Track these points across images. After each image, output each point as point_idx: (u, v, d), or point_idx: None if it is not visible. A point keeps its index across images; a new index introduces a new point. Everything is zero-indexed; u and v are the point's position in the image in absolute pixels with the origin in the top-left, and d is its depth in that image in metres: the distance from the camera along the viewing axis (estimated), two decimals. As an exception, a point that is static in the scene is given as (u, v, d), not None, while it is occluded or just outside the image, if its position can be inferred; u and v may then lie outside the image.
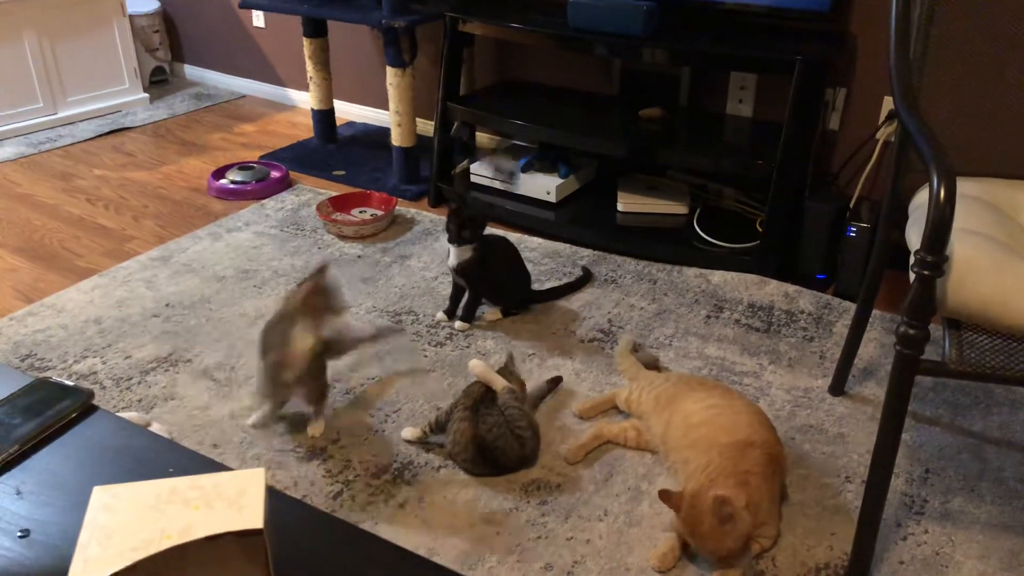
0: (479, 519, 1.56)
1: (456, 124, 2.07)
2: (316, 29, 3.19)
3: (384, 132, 3.42)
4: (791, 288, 2.34)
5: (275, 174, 3.04)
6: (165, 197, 2.97)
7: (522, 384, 1.80)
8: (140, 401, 1.88)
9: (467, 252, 2.08)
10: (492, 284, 2.18)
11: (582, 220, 2.66)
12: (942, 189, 1.15)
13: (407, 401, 1.88)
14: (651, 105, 2.69)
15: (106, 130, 3.59)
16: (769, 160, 2.28)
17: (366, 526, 1.54)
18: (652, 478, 1.66)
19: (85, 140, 3.50)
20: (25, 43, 3.45)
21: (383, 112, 3.61)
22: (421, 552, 1.48)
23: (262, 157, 3.28)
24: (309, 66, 3.26)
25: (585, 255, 2.54)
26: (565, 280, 2.36)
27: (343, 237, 2.65)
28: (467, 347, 2.08)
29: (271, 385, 1.70)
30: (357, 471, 1.68)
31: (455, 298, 2.18)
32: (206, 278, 2.40)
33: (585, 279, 2.37)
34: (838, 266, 2.32)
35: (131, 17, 3.85)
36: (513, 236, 2.48)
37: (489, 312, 2.20)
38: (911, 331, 1.23)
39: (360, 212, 2.79)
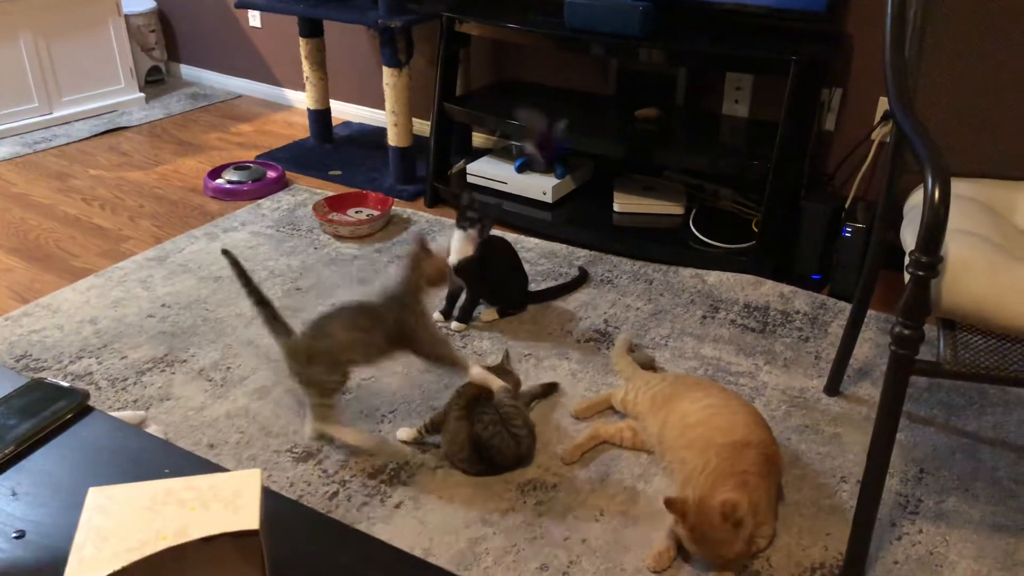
0: (475, 519, 1.56)
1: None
2: (312, 29, 3.19)
3: (380, 132, 3.42)
4: (787, 288, 2.35)
5: (271, 174, 3.04)
6: (161, 197, 2.96)
7: (517, 383, 1.80)
8: (136, 401, 1.87)
9: (469, 249, 2.08)
10: (490, 284, 2.18)
11: (578, 220, 2.67)
12: (937, 190, 1.16)
13: (403, 402, 1.88)
14: (647, 105, 2.70)
15: (102, 130, 3.59)
16: (765, 160, 2.28)
17: (362, 527, 1.54)
18: (648, 478, 1.67)
19: (81, 140, 3.49)
20: (20, 42, 3.44)
21: (379, 112, 3.61)
22: (417, 552, 1.48)
23: (258, 157, 3.28)
24: (305, 66, 3.26)
25: (581, 255, 2.54)
26: (561, 280, 2.37)
27: (339, 237, 2.65)
28: (463, 347, 2.08)
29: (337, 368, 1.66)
30: (353, 471, 1.68)
31: (452, 298, 2.18)
32: (202, 278, 2.40)
33: (581, 279, 2.37)
34: (833, 266, 2.33)
35: (127, 16, 3.84)
36: (509, 236, 2.48)
37: (485, 312, 2.21)
38: (906, 331, 1.23)
39: (356, 212, 2.79)
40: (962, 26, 1.55)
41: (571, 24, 2.46)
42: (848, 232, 2.26)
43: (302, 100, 3.84)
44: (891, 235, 1.64)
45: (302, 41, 3.21)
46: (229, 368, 1.99)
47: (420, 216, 2.79)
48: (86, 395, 0.84)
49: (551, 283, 2.36)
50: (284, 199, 2.92)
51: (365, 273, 2.43)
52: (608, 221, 2.66)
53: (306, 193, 2.97)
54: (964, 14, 1.54)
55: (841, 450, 1.75)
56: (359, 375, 1.95)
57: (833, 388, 1.92)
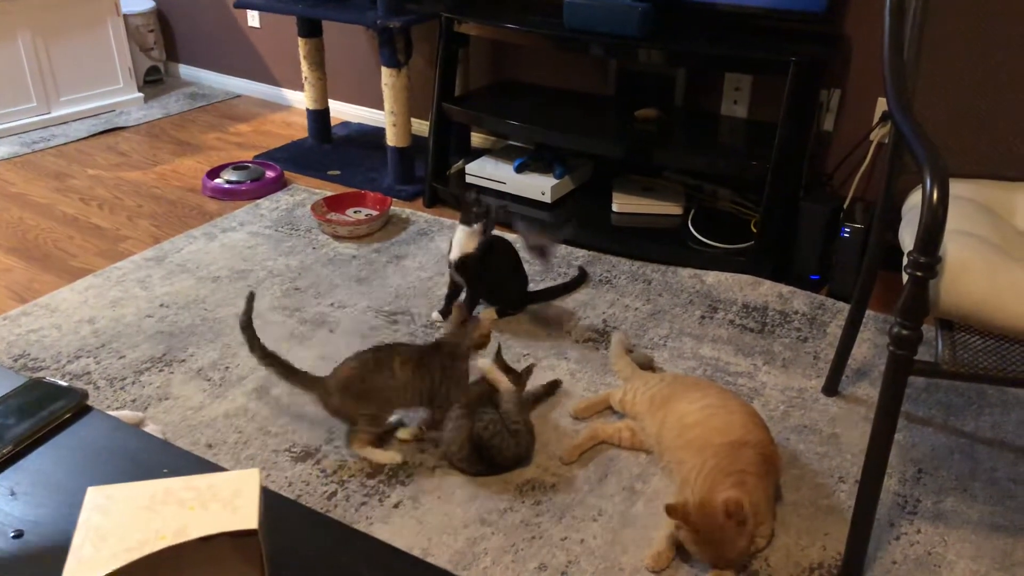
0: (473, 519, 1.56)
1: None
2: (311, 29, 3.19)
3: (379, 132, 3.42)
4: (785, 289, 2.35)
5: (270, 174, 3.04)
6: (159, 197, 2.96)
7: (517, 374, 1.79)
8: (134, 401, 1.87)
9: (471, 246, 2.08)
10: (490, 284, 2.18)
11: (577, 220, 2.67)
12: (935, 191, 1.16)
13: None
14: (647, 106, 2.70)
15: (100, 129, 3.58)
16: (764, 161, 2.29)
17: (360, 526, 1.54)
18: (647, 478, 1.67)
19: (79, 139, 3.49)
20: (19, 42, 3.43)
21: (378, 112, 3.61)
22: (415, 552, 1.48)
23: (257, 157, 3.28)
24: (304, 66, 3.25)
25: (580, 255, 2.54)
26: (561, 281, 2.37)
27: (338, 237, 2.65)
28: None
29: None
30: (352, 471, 1.68)
31: (451, 298, 2.18)
32: (201, 278, 2.39)
33: (581, 279, 2.37)
34: (832, 267, 2.33)
35: (125, 16, 3.84)
36: (508, 236, 2.48)
37: (484, 312, 2.21)
38: (904, 332, 1.24)
39: (355, 212, 2.79)
40: (961, 27, 1.55)
41: (570, 24, 2.46)
42: (847, 232, 2.27)
43: (301, 100, 3.84)
44: (890, 235, 1.64)
45: (301, 41, 3.20)
46: (227, 368, 1.99)
47: (419, 216, 2.79)
48: (85, 395, 0.84)
49: (550, 283, 2.36)
50: (283, 199, 2.92)
51: (364, 273, 2.43)
52: (607, 221, 2.66)
53: (305, 193, 2.97)
54: (963, 15, 1.54)
55: (839, 450, 1.75)
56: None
57: (831, 388, 1.92)
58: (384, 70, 2.81)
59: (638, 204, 2.71)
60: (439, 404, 1.71)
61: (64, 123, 3.65)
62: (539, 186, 2.76)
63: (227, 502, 0.58)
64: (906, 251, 1.24)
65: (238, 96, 4.06)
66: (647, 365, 1.97)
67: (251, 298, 1.72)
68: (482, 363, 1.75)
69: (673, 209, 2.69)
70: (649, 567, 1.45)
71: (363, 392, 1.67)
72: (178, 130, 3.62)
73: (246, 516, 0.57)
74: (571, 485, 1.65)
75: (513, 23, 2.55)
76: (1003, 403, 1.90)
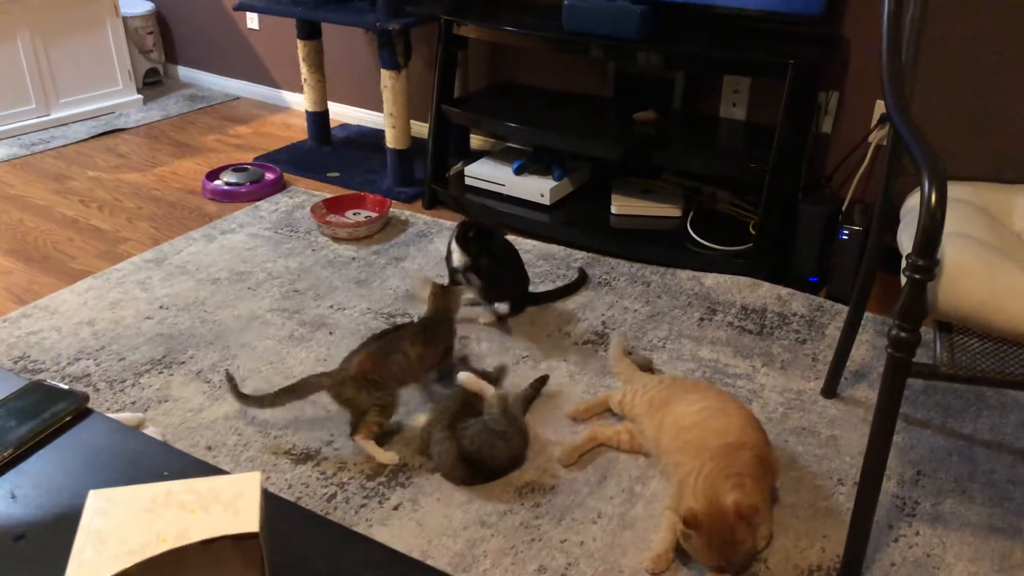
0: (473, 521, 1.56)
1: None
2: (310, 31, 3.19)
3: (378, 134, 3.42)
4: (784, 291, 2.35)
5: (269, 176, 3.04)
6: (159, 199, 2.96)
7: (491, 376, 1.87)
8: (134, 403, 1.87)
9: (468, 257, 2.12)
10: (490, 285, 2.18)
11: (576, 223, 2.67)
12: (933, 193, 1.16)
13: (401, 405, 1.88)
14: (645, 108, 2.70)
15: (99, 131, 3.58)
16: (762, 163, 2.29)
17: (360, 528, 1.54)
18: (646, 480, 1.67)
19: (78, 141, 3.49)
20: (18, 43, 3.44)
21: (377, 114, 3.61)
22: (415, 555, 1.48)
23: (256, 159, 3.28)
24: (303, 68, 3.26)
25: (579, 257, 2.55)
26: (560, 283, 2.37)
27: (337, 239, 2.65)
28: (461, 349, 2.08)
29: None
30: (351, 473, 1.68)
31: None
32: (200, 280, 2.40)
33: (581, 281, 2.38)
34: (831, 269, 2.33)
35: (125, 18, 3.84)
36: (509, 237, 2.48)
37: (484, 315, 2.21)
38: (903, 334, 1.24)
39: (354, 214, 2.79)
40: (959, 30, 1.55)
41: (569, 27, 2.46)
42: (845, 235, 2.27)
43: (300, 102, 3.85)
44: (888, 238, 1.64)
45: (300, 43, 3.21)
46: (227, 370, 1.99)
47: (418, 218, 2.79)
48: (85, 397, 0.84)
49: (549, 285, 2.36)
50: (282, 201, 2.92)
51: (363, 275, 2.43)
52: (606, 223, 2.67)
53: (304, 195, 2.97)
54: (960, 18, 1.55)
55: (838, 452, 1.75)
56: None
57: (830, 390, 1.92)
58: (383, 72, 2.81)
59: (637, 206, 2.71)
60: (444, 364, 1.91)
61: (63, 125, 3.65)
62: (538, 188, 2.76)
63: (228, 505, 0.58)
64: (904, 253, 1.25)
65: (237, 98, 4.06)
66: (646, 367, 1.98)
67: (230, 377, 1.80)
68: (461, 375, 1.75)
69: (672, 211, 2.69)
70: (649, 569, 1.45)
71: (378, 379, 1.71)
72: (177, 132, 3.62)
73: (247, 519, 0.57)
74: (570, 487, 1.65)
75: (512, 25, 2.55)
76: (1001, 405, 1.90)
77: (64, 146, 3.44)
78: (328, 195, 2.88)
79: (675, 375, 1.97)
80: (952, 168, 1.53)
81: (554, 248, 2.60)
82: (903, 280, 1.23)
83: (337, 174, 3.14)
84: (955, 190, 1.49)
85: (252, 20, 3.87)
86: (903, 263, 1.24)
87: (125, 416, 1.76)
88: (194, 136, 3.58)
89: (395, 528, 1.55)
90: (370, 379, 1.70)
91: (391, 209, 2.80)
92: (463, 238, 2.10)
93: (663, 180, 2.87)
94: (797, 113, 2.26)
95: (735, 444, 1.51)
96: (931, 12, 1.54)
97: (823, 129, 2.57)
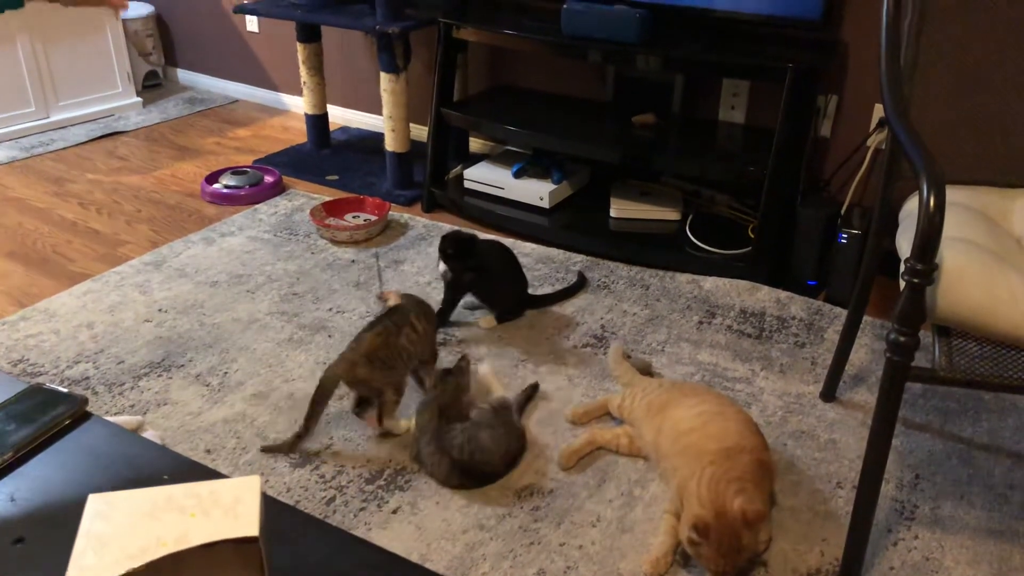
0: (472, 525, 1.56)
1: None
2: (310, 34, 3.19)
3: (378, 137, 3.43)
4: (783, 294, 2.35)
5: (268, 179, 3.04)
6: (158, 201, 2.96)
7: (457, 373, 1.85)
8: (133, 407, 1.87)
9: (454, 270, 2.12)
10: (489, 288, 2.18)
11: (575, 226, 2.67)
12: (932, 198, 1.16)
13: (401, 407, 1.88)
14: (644, 111, 2.71)
15: (99, 134, 3.59)
16: (761, 166, 2.29)
17: (359, 532, 1.54)
18: (645, 484, 1.67)
19: (78, 144, 3.49)
20: (18, 46, 3.44)
21: (377, 117, 3.62)
22: (414, 558, 1.48)
23: (255, 162, 3.28)
24: (303, 71, 3.26)
25: (578, 261, 2.55)
26: (559, 286, 2.37)
27: (336, 242, 2.65)
28: (460, 351, 2.08)
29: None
30: (350, 477, 1.68)
31: (451, 303, 2.19)
32: (199, 283, 2.40)
33: (580, 285, 2.38)
34: (829, 272, 2.34)
35: (124, 21, 3.84)
36: (506, 242, 2.49)
37: (484, 319, 2.21)
38: (901, 338, 1.24)
39: (354, 217, 2.80)
40: (957, 34, 1.56)
41: (568, 31, 2.46)
42: (844, 238, 2.27)
43: (299, 105, 3.85)
44: (887, 241, 1.65)
45: (300, 46, 3.21)
46: (226, 373, 1.99)
47: (417, 221, 2.80)
48: (85, 400, 0.84)
49: (548, 288, 2.36)
50: (281, 204, 2.92)
51: (362, 278, 2.43)
52: (605, 227, 2.67)
53: (303, 198, 2.97)
54: (958, 22, 1.55)
55: (837, 456, 1.75)
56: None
57: (829, 394, 1.93)
58: (383, 75, 2.81)
59: (636, 209, 2.71)
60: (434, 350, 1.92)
61: (63, 128, 3.65)
62: (537, 191, 2.77)
63: (228, 509, 0.58)
64: (903, 257, 1.25)
65: (236, 101, 4.06)
66: (645, 370, 1.98)
67: (268, 448, 1.75)
68: (483, 368, 1.76)
69: (671, 214, 2.69)
70: (647, 573, 1.45)
71: (390, 357, 1.73)
72: (177, 135, 3.62)
73: (247, 523, 0.57)
74: (569, 491, 1.65)
75: (511, 29, 2.55)
76: (1000, 409, 1.90)
77: (63, 149, 3.44)
78: (327, 198, 2.89)
79: (675, 379, 1.97)
80: (951, 172, 1.54)
81: (553, 251, 2.61)
82: (902, 284, 1.23)
83: (336, 177, 3.14)
84: (954, 194, 1.50)
85: (252, 23, 3.87)
86: (902, 267, 1.24)
87: (124, 420, 1.76)
88: (193, 139, 3.58)
89: (394, 531, 1.55)
90: (381, 356, 1.73)
91: (390, 212, 2.80)
92: (444, 255, 2.10)
93: (662, 183, 2.88)
94: (796, 117, 2.27)
95: (734, 448, 1.51)
96: (930, 15, 1.54)
97: (822, 133, 2.58)
